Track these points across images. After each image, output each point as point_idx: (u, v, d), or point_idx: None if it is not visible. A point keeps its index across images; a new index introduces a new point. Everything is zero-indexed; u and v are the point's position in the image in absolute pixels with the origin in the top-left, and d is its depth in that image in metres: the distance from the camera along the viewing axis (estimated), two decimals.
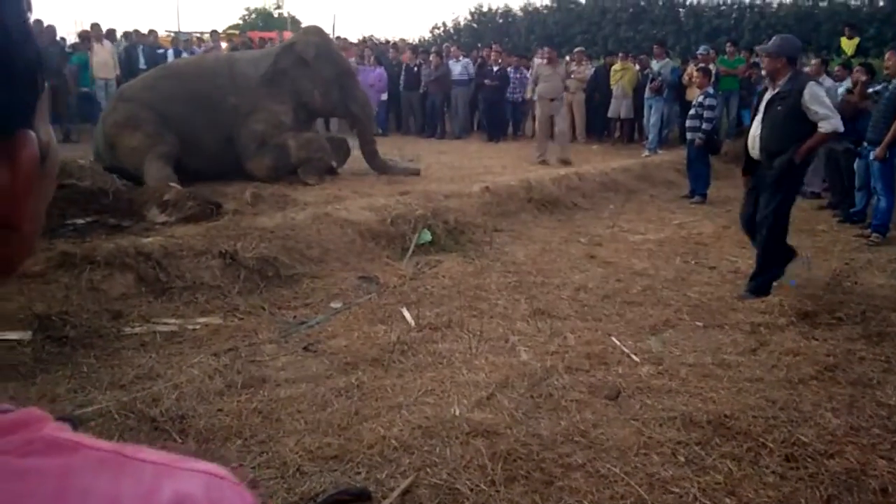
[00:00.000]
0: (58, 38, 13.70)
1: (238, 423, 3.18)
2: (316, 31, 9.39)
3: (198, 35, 17.92)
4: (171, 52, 13.90)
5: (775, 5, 19.79)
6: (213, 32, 16.74)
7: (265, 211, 6.48)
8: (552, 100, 10.72)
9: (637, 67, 12.98)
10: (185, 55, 13.52)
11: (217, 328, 4.34)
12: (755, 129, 4.97)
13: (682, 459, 2.95)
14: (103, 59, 12.60)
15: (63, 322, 4.04)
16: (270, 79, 8.37)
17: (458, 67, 14.20)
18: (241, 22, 34.19)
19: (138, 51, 13.11)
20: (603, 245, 6.64)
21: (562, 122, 10.89)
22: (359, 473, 2.83)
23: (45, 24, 13.21)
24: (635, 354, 4.03)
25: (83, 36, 13.93)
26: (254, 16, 35.42)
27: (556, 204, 7.91)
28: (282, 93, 8.37)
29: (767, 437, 3.09)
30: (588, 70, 13.43)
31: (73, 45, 14.07)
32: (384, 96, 14.14)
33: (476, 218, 6.99)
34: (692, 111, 8.85)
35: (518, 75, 13.76)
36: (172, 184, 7.13)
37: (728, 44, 13.23)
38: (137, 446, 0.48)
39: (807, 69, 10.03)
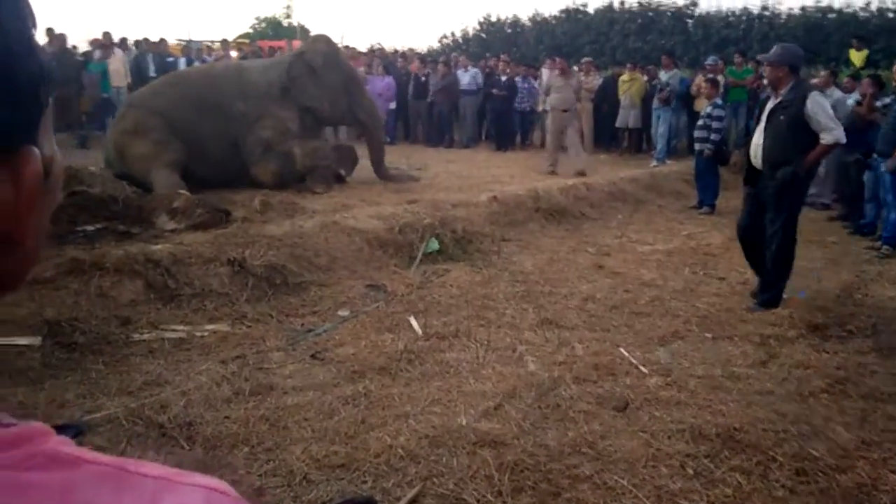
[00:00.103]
0: (69, 45, 13.83)
1: (245, 430, 3.18)
2: (324, 40, 9.47)
3: (208, 44, 18.04)
4: (182, 60, 14.01)
5: (784, 16, 19.77)
6: (224, 41, 16.86)
7: (273, 219, 6.50)
8: (564, 111, 10.64)
9: (645, 78, 12.99)
10: (196, 64, 13.62)
11: (225, 335, 4.35)
12: (757, 138, 4.95)
13: (691, 472, 2.93)
14: (115, 68, 12.72)
15: (72, 328, 4.06)
16: (279, 86, 8.43)
17: (467, 77, 14.25)
18: (251, 31, 34.43)
19: (148, 59, 13.20)
20: (611, 255, 6.63)
21: (574, 135, 10.75)
22: (365, 482, 2.82)
23: (57, 32, 13.36)
24: (644, 365, 4.01)
25: (96, 44, 14.07)
26: (264, 25, 35.66)
27: (563, 214, 7.90)
28: (289, 100, 8.42)
29: (777, 450, 3.06)
30: (596, 80, 13.44)
31: (85, 53, 14.20)
32: (392, 105, 14.19)
33: (484, 227, 6.99)
34: (700, 122, 8.83)
35: (526, 85, 13.79)
36: (182, 191, 7.17)
37: (736, 54, 13.23)
38: (139, 461, 0.48)
39: (815, 80, 10.03)
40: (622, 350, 4.23)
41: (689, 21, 21.10)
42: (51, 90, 0.50)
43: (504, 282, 5.60)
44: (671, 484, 2.85)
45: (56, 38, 13.34)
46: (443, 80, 13.99)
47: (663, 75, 12.50)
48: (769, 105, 4.92)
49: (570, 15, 23.29)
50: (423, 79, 14.26)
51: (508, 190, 8.24)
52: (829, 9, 18.90)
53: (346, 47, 16.47)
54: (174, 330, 4.33)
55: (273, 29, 33.78)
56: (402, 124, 15.05)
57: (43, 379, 3.61)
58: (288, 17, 35.70)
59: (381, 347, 4.18)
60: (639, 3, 21.75)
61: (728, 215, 8.51)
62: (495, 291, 5.33)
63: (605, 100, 13.16)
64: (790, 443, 3.13)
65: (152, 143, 7.91)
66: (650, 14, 21.48)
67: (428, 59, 16.48)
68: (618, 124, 13.20)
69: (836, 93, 9.27)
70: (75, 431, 3.09)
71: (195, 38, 21.05)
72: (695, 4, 21.13)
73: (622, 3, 22.16)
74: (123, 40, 13.49)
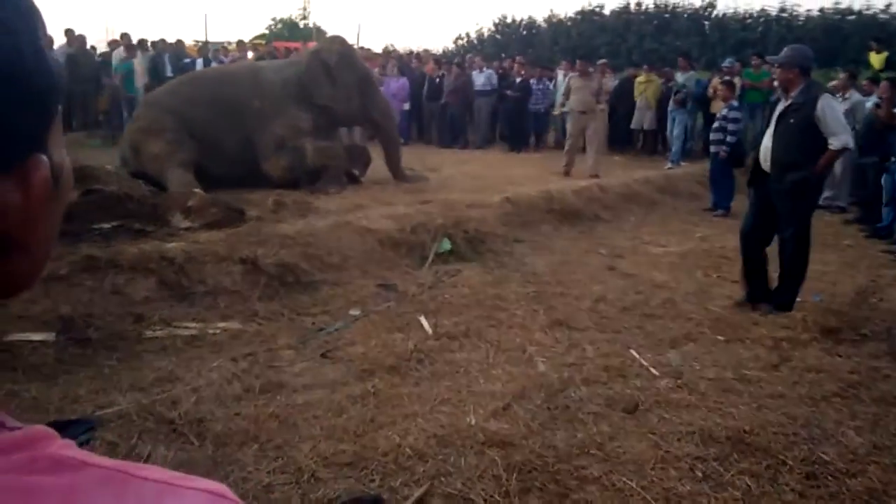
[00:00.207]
0: (88, 46, 13.99)
1: (255, 427, 3.20)
2: (339, 41, 9.54)
3: (225, 45, 18.18)
4: (199, 61, 14.13)
5: (802, 18, 19.62)
6: (240, 42, 16.99)
7: (287, 218, 6.54)
8: (582, 112, 10.50)
9: (661, 80, 12.92)
10: (213, 64, 13.73)
11: (236, 333, 4.38)
12: (767, 140, 4.88)
13: (700, 475, 2.92)
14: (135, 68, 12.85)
15: (86, 324, 4.11)
16: (294, 85, 8.48)
17: (481, 78, 14.24)
18: (267, 32, 34.61)
19: (165, 59, 13.32)
20: (624, 257, 6.60)
21: (592, 137, 10.55)
22: (373, 481, 2.83)
23: (77, 33, 13.53)
24: (654, 368, 3.99)
25: (115, 45, 14.22)
26: (280, 26, 35.82)
27: (577, 215, 7.89)
28: (304, 99, 8.47)
29: (787, 454, 3.04)
30: (612, 82, 13.38)
31: (104, 54, 14.35)
32: (406, 106, 14.21)
33: (496, 228, 6.99)
34: (716, 124, 8.79)
35: (541, 87, 13.76)
36: (196, 190, 7.24)
37: (753, 57, 13.12)
38: (141, 465, 0.49)
39: (834, 83, 9.94)
40: (633, 352, 4.22)
41: (706, 23, 21.01)
42: (60, 98, 0.51)
43: (515, 283, 5.60)
44: (680, 486, 2.83)
45: (75, 39, 13.51)
46: (455, 82, 13.99)
47: (679, 77, 12.43)
48: (779, 107, 4.86)
49: (586, 16, 23.25)
50: (438, 80, 14.27)
51: (521, 191, 8.23)
52: (849, 11, 18.75)
53: (362, 48, 16.53)
54: (186, 327, 4.37)
55: (289, 30, 33.93)
56: (416, 125, 15.08)
57: (56, 374, 3.66)
58: (304, 18, 35.84)
59: (391, 347, 4.19)
60: (655, 4, 21.68)
61: (742, 218, 8.46)
62: (506, 292, 5.33)
63: (621, 101, 13.10)
64: (800, 446, 3.10)
65: (166, 143, 7.99)
66: (666, 15, 21.40)
67: (443, 60, 16.50)
68: (633, 126, 13.15)
69: (855, 95, 9.19)
70: (87, 427, 3.13)
71: (212, 38, 21.20)
72: (712, 6, 21.03)
73: (638, 5, 22.10)
74: (143, 41, 13.61)
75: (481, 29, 26.10)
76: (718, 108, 9.57)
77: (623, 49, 21.17)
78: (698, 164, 11.21)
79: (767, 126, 5.00)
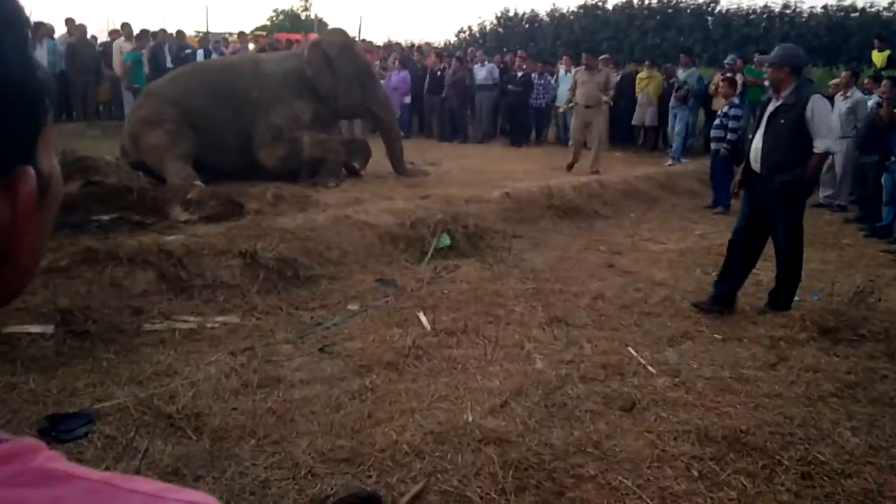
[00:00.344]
0: (89, 36, 13.94)
1: (252, 422, 3.21)
2: (341, 33, 9.54)
3: (226, 36, 18.12)
4: (200, 52, 14.08)
5: (806, 15, 19.57)
6: (241, 33, 16.93)
7: (286, 212, 6.53)
8: (587, 107, 10.38)
9: (663, 76, 12.89)
10: (214, 56, 13.69)
11: (235, 327, 4.39)
12: (757, 141, 4.81)
13: (696, 474, 2.92)
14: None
15: (85, 317, 4.11)
16: (294, 75, 8.47)
17: (483, 72, 14.20)
18: (268, 23, 34.51)
19: (165, 50, 13.28)
20: (623, 254, 6.60)
21: (595, 132, 10.44)
22: (370, 477, 2.84)
23: (77, 23, 13.47)
24: (652, 366, 3.99)
25: (117, 34, 14.17)
26: (281, 17, 35.71)
27: (576, 211, 7.88)
28: (304, 89, 8.45)
29: (783, 454, 3.05)
30: (614, 77, 13.32)
31: (103, 44, 14.30)
32: (407, 99, 14.18)
33: (496, 224, 6.99)
34: (717, 121, 8.77)
35: (542, 81, 13.72)
36: (196, 182, 7.23)
37: (756, 53, 13.09)
38: (129, 476, 0.49)
39: (836, 81, 9.92)
40: (631, 350, 4.22)
41: (709, 18, 20.94)
42: (50, 105, 0.50)
43: (514, 279, 5.60)
44: (675, 485, 2.84)
45: (76, 29, 13.46)
46: (455, 75, 13.94)
47: (681, 73, 12.39)
48: (770, 107, 4.78)
49: (589, 11, 23.17)
50: (439, 73, 14.23)
51: (521, 186, 8.22)
52: (853, 8, 18.69)
53: (363, 41, 16.49)
54: (185, 321, 4.37)
55: (291, 21, 33.84)
56: (417, 119, 15.04)
57: (55, 367, 3.66)
58: (306, 9, 35.74)
59: (389, 342, 4.20)
60: None
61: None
62: (505, 288, 5.33)
63: (622, 97, 13.06)
64: (796, 446, 3.11)
65: (166, 134, 7.98)
66: (669, 11, 21.32)
67: (444, 53, 16.45)
68: (634, 122, 13.11)
69: (857, 93, 9.17)
70: (86, 420, 3.14)
71: (213, 29, 21.15)
72: (715, 2, 20.96)
73: (641, 0, 22.00)
74: (145, 32, 13.55)
75: (483, 22, 26.04)
76: (720, 105, 9.55)
77: (626, 44, 21.11)
78: (699, 160, 11.20)
79: (757, 126, 4.92)
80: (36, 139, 0.49)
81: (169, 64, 12.71)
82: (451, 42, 25.66)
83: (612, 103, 11.05)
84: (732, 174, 8.81)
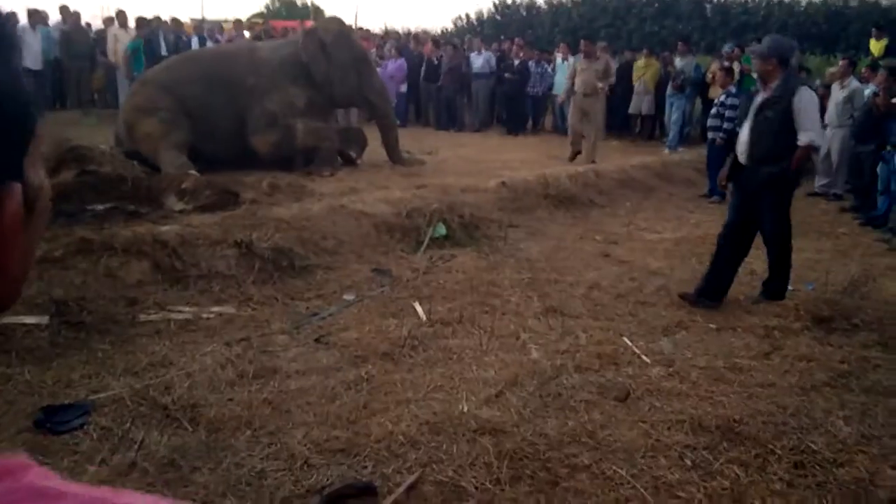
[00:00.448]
0: (82, 23, 13.85)
1: (248, 413, 3.22)
2: (336, 20, 9.51)
3: (222, 23, 18.00)
4: (194, 39, 13.99)
5: (804, 3, 19.49)
6: (237, 20, 16.82)
7: (282, 201, 6.52)
8: (585, 95, 10.26)
9: (660, 64, 12.84)
10: (209, 43, 13.60)
11: (230, 318, 4.38)
12: (744, 133, 4.76)
13: (689, 463, 2.94)
14: (126, 45, 12.70)
15: (80, 307, 4.10)
16: (290, 63, 8.43)
17: (480, 60, 14.13)
18: (264, 10, 34.30)
19: (160, 38, 13.19)
20: (618, 243, 6.61)
21: (592, 121, 10.32)
22: (365, 467, 2.85)
23: (72, 10, 13.38)
24: (646, 355, 4.01)
25: (111, 21, 14.06)
26: (277, 4, 35.51)
27: (572, 201, 7.87)
28: (299, 76, 8.42)
29: (776, 443, 3.07)
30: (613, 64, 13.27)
31: (98, 31, 14.21)
32: (403, 87, 14.11)
33: (491, 213, 6.98)
34: (714, 110, 8.76)
35: (539, 70, 13.67)
36: (191, 171, 7.21)
37: (754, 42, 13.03)
38: (121, 491, 0.49)
39: (833, 70, 9.90)
40: (625, 339, 4.24)
41: (708, 6, 20.84)
42: (37, 119, 0.50)
43: (510, 268, 5.61)
44: (669, 475, 2.86)
45: (70, 16, 13.36)
46: (450, 62, 13.86)
47: (678, 62, 12.36)
48: (757, 99, 4.74)
49: None
50: (436, 62, 14.16)
51: (518, 176, 8.21)
52: None
53: (360, 28, 16.39)
54: (180, 311, 4.37)
55: (287, 9, 33.64)
56: (413, 107, 14.99)
57: (50, 358, 3.66)
58: None
59: (384, 332, 4.20)
60: None
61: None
62: (501, 278, 5.33)
63: (619, 85, 13.01)
64: (789, 436, 3.13)
65: (160, 122, 7.95)
66: None
67: (441, 41, 16.37)
68: (631, 110, 13.09)
69: (854, 82, 9.16)
70: (82, 411, 3.14)
71: (209, 16, 21.01)
72: None
73: None
74: (143, 20, 13.45)
75: (481, 9, 25.89)
76: (717, 93, 9.53)
77: (624, 31, 21.01)
78: (696, 149, 11.19)
79: (744, 118, 4.86)
80: (24, 154, 0.50)
81: (164, 52, 12.63)
82: (449, 30, 25.53)
83: (608, 89, 10.90)
84: None
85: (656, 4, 21.20)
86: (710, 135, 8.83)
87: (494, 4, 25.30)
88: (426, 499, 2.69)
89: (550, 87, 13.66)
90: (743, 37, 16.46)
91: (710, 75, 11.50)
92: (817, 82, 10.19)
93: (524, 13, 24.61)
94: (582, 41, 11.10)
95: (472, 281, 5.23)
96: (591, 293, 5.10)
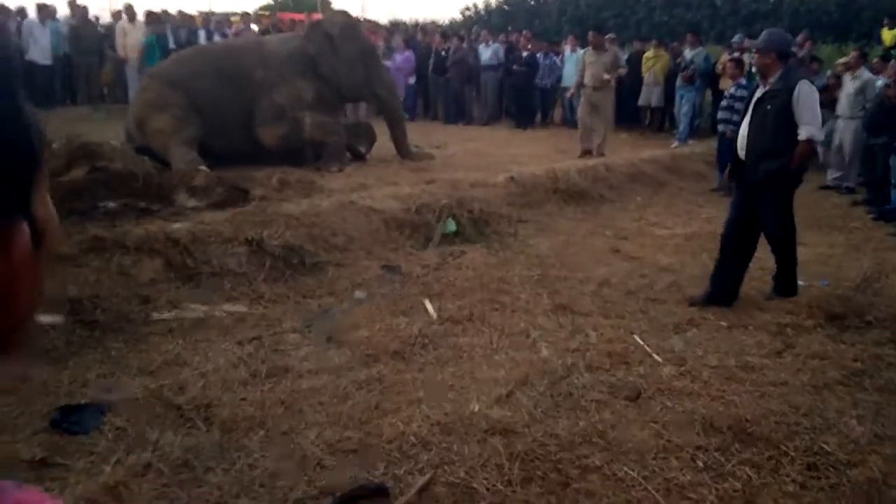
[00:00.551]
0: (91, 16, 13.87)
1: (261, 413, 3.24)
2: (343, 13, 9.50)
3: (230, 16, 17.99)
4: (201, 32, 14.00)
5: None
6: (245, 13, 16.82)
7: (291, 197, 6.53)
8: (595, 88, 10.13)
9: (669, 55, 12.74)
10: (216, 36, 13.60)
11: (242, 316, 4.41)
12: (744, 128, 4.71)
13: (701, 465, 2.94)
14: (136, 39, 12.74)
15: (94, 306, 4.13)
16: (298, 56, 8.44)
17: (488, 52, 14.07)
18: (272, 2, 34.20)
19: (168, 32, 13.20)
20: (629, 239, 6.58)
21: (601, 114, 10.20)
22: (377, 469, 2.87)
23: (80, 4, 13.41)
24: (657, 354, 4.00)
25: (119, 15, 14.07)
26: None
27: (582, 195, 7.85)
28: (307, 69, 8.42)
29: (789, 444, 3.06)
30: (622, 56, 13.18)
31: (106, 26, 14.23)
32: (412, 80, 14.07)
33: (501, 208, 6.97)
34: (724, 102, 8.68)
35: (548, 61, 13.59)
36: (202, 168, 7.23)
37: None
38: None
39: (843, 60, 9.79)
40: (636, 337, 4.23)
41: None
42: (42, 153, 0.49)
43: (520, 265, 5.60)
44: (681, 476, 2.86)
45: (78, 10, 13.39)
46: (457, 54, 13.78)
47: (688, 53, 12.26)
48: (757, 94, 4.67)
49: None
50: (444, 53, 14.10)
51: (527, 170, 8.19)
52: None
53: (367, 20, 16.34)
54: (193, 309, 4.40)
55: (294, 1, 33.55)
56: (422, 100, 14.93)
57: (66, 358, 3.69)
58: None
59: (395, 331, 4.22)
60: None
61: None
62: (511, 275, 5.33)
63: (628, 77, 12.93)
64: (802, 436, 3.13)
65: (171, 118, 7.97)
66: None
67: (449, 33, 16.30)
68: (640, 102, 12.99)
69: (866, 73, 9.06)
70: (98, 411, 3.17)
71: (217, 9, 21.00)
72: None
73: None
74: (152, 13, 13.47)
75: (489, 0, 25.70)
76: (727, 85, 9.45)
77: (632, 21, 20.83)
78: (706, 142, 11.11)
79: (744, 113, 4.79)
80: (30, 188, 0.49)
81: (172, 45, 12.65)
82: (457, 20, 25.40)
83: (617, 80, 10.76)
84: None
85: None
86: (720, 127, 8.75)
87: None
88: (438, 500, 2.70)
89: (559, 79, 13.58)
90: (753, 25, 16.28)
91: (720, 66, 11.39)
92: (828, 73, 10.09)
93: (532, 2, 24.45)
94: (590, 33, 10.92)
95: (481, 278, 5.24)
96: (601, 290, 5.09)
